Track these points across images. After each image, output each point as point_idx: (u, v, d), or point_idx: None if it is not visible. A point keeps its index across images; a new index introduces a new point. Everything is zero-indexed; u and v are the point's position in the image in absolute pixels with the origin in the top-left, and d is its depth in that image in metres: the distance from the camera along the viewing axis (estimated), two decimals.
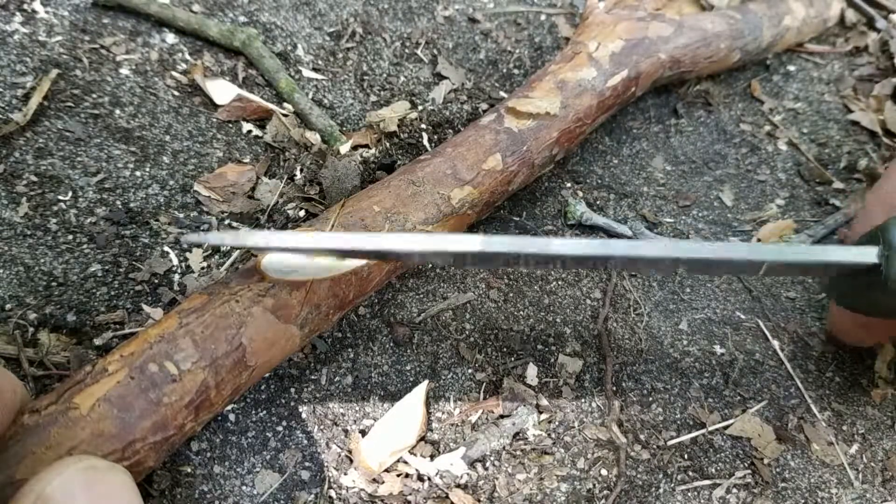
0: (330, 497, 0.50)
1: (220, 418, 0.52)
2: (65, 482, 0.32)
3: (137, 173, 0.62)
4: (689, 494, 0.53)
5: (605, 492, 0.53)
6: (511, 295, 0.62)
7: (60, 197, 0.59)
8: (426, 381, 0.56)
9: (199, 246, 0.47)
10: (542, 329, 0.60)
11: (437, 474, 0.52)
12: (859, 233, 0.56)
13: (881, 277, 0.44)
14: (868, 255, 0.44)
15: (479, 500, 0.51)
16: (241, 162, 0.66)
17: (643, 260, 0.44)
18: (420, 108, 0.73)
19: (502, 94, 0.76)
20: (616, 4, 0.74)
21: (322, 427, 0.53)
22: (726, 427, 0.57)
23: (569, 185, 0.71)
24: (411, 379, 0.56)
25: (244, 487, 0.50)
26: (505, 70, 0.80)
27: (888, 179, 0.55)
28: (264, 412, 0.53)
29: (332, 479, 0.51)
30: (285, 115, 0.69)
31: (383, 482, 0.51)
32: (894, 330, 0.58)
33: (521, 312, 0.61)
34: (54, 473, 0.33)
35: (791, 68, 0.86)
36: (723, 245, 0.44)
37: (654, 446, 0.55)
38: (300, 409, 0.54)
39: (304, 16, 0.79)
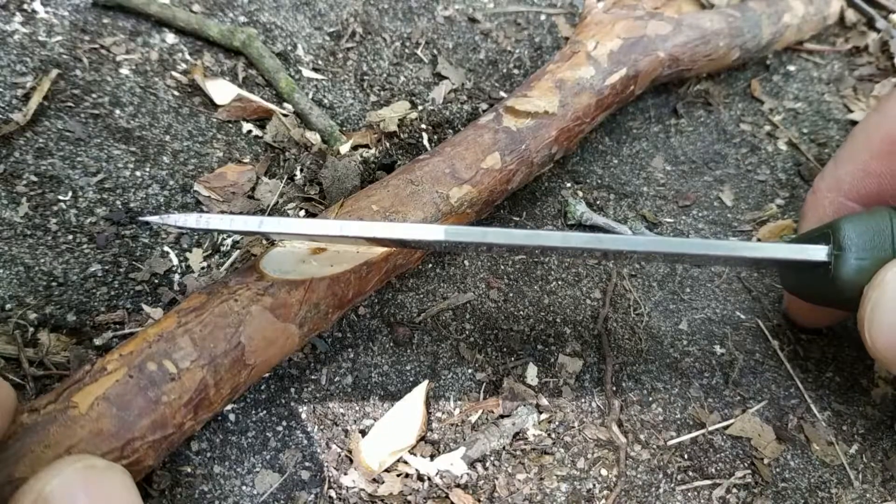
0: (330, 497, 0.50)
1: (220, 418, 0.52)
2: (64, 482, 0.32)
3: (137, 173, 0.62)
4: (689, 494, 0.53)
5: (605, 492, 0.52)
6: (511, 295, 0.62)
7: (60, 197, 0.59)
8: (426, 381, 0.56)
9: (155, 226, 0.45)
10: (542, 329, 0.60)
11: (437, 474, 0.52)
12: (808, 217, 0.56)
13: (829, 276, 0.45)
14: (817, 253, 0.46)
15: (479, 500, 0.51)
16: (241, 162, 0.66)
17: (621, 253, 0.46)
18: (420, 108, 0.73)
19: (502, 94, 0.76)
20: (615, 4, 0.74)
21: (322, 427, 0.53)
22: (726, 427, 0.57)
23: (569, 185, 0.71)
24: (411, 379, 0.56)
25: (244, 487, 0.50)
26: (505, 70, 0.80)
27: (841, 166, 0.56)
28: (264, 412, 0.53)
29: (332, 479, 0.51)
30: (285, 115, 0.69)
31: (383, 482, 0.51)
32: (843, 315, 0.59)
33: (521, 312, 0.61)
34: (53, 473, 0.33)
35: (791, 68, 0.86)
36: (678, 240, 0.45)
37: (654, 446, 0.55)
38: (300, 409, 0.54)
39: (304, 16, 0.79)
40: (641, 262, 0.66)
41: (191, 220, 0.42)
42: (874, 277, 0.44)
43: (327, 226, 0.44)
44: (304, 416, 0.53)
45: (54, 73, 0.65)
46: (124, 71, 0.69)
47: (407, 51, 0.79)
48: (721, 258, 0.47)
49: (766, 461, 0.55)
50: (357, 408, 0.54)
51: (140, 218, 0.47)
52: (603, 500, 0.52)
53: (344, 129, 0.71)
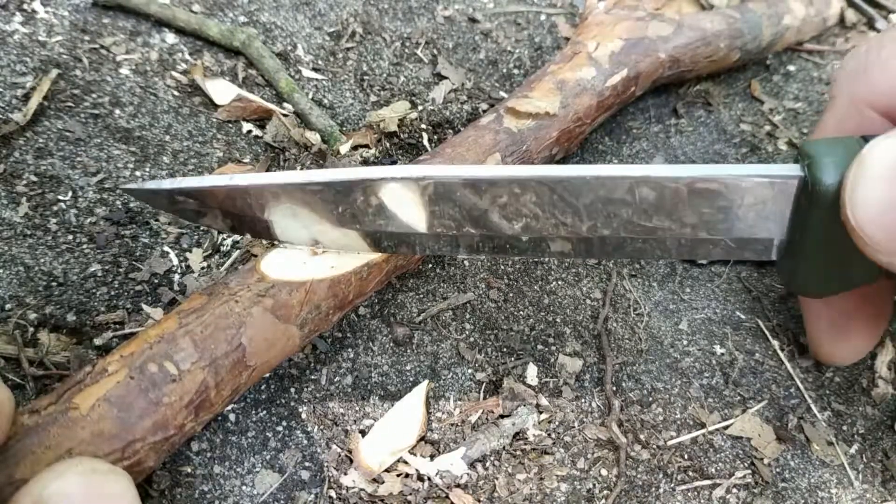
0: (330, 497, 0.50)
1: (220, 418, 0.52)
2: (64, 485, 0.32)
3: (137, 173, 0.62)
4: (689, 494, 0.53)
5: (605, 492, 0.53)
6: (511, 295, 0.62)
7: (60, 197, 0.59)
8: (426, 381, 0.56)
9: (136, 195, 0.49)
10: (542, 329, 0.60)
11: (437, 474, 0.52)
12: None
13: (807, 191, 0.42)
14: (790, 169, 0.43)
15: (479, 500, 0.51)
16: (241, 162, 0.66)
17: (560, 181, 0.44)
18: (420, 108, 0.73)
19: (502, 94, 0.76)
20: (616, 4, 0.74)
21: (322, 427, 0.53)
22: (726, 427, 0.57)
23: None
24: (411, 379, 0.56)
25: (244, 487, 0.50)
26: (505, 70, 0.80)
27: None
28: (264, 412, 0.53)
29: (332, 479, 0.51)
30: (285, 115, 0.69)
31: (383, 482, 0.51)
32: (866, 345, 0.57)
33: (521, 312, 0.61)
34: (53, 476, 0.32)
35: (791, 68, 0.86)
36: (642, 166, 0.44)
37: (654, 446, 0.55)
38: (300, 409, 0.54)
39: (304, 16, 0.79)
40: (641, 261, 0.66)
41: (165, 183, 0.47)
42: (853, 160, 0.40)
43: (294, 176, 0.45)
44: (304, 416, 0.53)
45: (54, 73, 0.65)
46: (124, 71, 0.69)
47: (407, 51, 0.79)
48: (685, 179, 0.44)
49: (766, 461, 0.55)
50: (357, 408, 0.55)
51: (122, 187, 0.52)
52: (603, 500, 0.52)
53: (344, 129, 0.71)
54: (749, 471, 0.55)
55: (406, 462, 0.52)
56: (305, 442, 0.52)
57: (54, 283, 0.55)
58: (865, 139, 0.42)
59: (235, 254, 0.60)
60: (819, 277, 0.48)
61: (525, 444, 0.54)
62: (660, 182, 0.44)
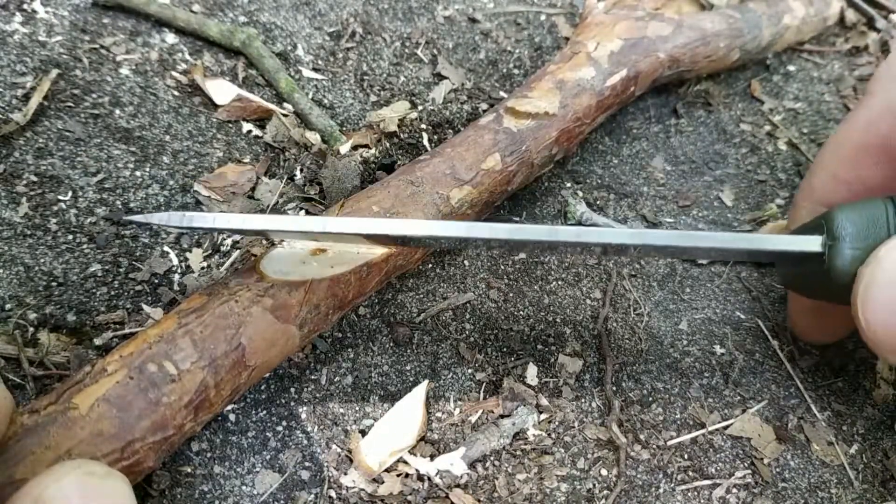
0: (330, 497, 0.50)
1: (220, 418, 0.52)
2: (62, 488, 0.32)
3: (137, 173, 0.62)
4: (689, 494, 0.53)
5: (605, 492, 0.52)
6: (511, 295, 0.62)
7: (60, 197, 0.59)
8: (426, 381, 0.56)
9: (147, 226, 0.47)
10: (542, 329, 0.60)
11: (437, 474, 0.52)
12: (792, 223, 0.57)
13: (824, 267, 0.44)
14: (812, 243, 0.45)
15: (479, 500, 0.51)
16: (241, 162, 0.66)
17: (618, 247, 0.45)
18: (420, 108, 0.73)
19: (502, 94, 0.76)
20: (615, 4, 0.74)
21: (322, 427, 0.53)
22: (726, 427, 0.57)
23: (569, 185, 0.71)
24: (411, 379, 0.56)
25: (244, 487, 0.50)
26: (505, 70, 0.80)
27: (814, 175, 0.55)
28: (264, 412, 0.53)
29: (332, 479, 0.51)
30: (285, 115, 0.69)
31: (383, 482, 0.51)
32: (848, 331, 0.58)
33: (521, 312, 0.61)
34: (52, 478, 0.32)
35: (791, 68, 0.86)
36: (668, 233, 0.45)
37: (654, 446, 0.55)
38: (300, 409, 0.54)
39: (304, 16, 0.79)
40: (641, 262, 0.66)
41: (174, 218, 0.43)
42: (870, 256, 0.42)
43: (308, 222, 0.44)
44: (304, 416, 0.53)
45: (54, 73, 0.65)
46: (124, 71, 0.69)
47: (407, 51, 0.79)
48: (713, 250, 0.46)
49: (766, 461, 0.55)
50: (357, 408, 0.55)
51: (125, 218, 0.49)
52: (603, 500, 0.52)
53: (344, 129, 0.71)
54: (749, 471, 0.55)
55: (406, 462, 0.52)
56: (305, 442, 0.52)
57: (54, 283, 0.55)
58: (893, 201, 0.44)
59: (235, 254, 0.60)
60: (809, 293, 0.51)
61: (525, 444, 0.54)
62: (687, 249, 0.46)
